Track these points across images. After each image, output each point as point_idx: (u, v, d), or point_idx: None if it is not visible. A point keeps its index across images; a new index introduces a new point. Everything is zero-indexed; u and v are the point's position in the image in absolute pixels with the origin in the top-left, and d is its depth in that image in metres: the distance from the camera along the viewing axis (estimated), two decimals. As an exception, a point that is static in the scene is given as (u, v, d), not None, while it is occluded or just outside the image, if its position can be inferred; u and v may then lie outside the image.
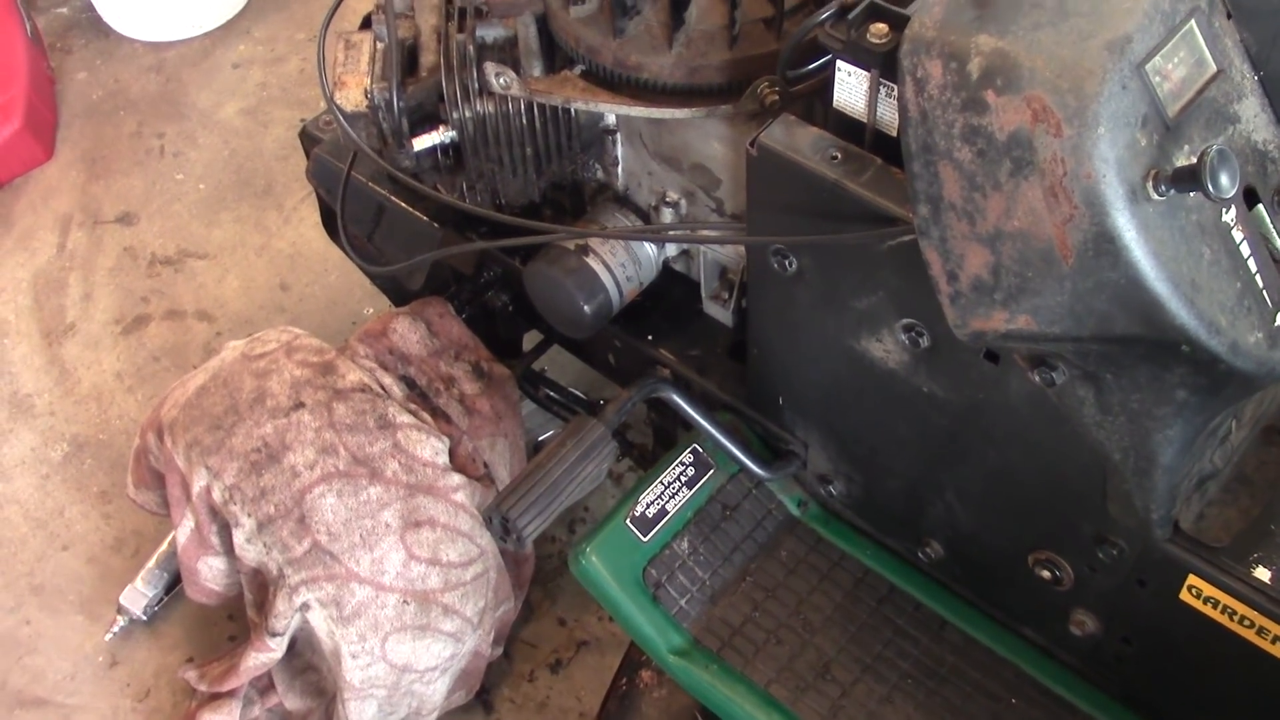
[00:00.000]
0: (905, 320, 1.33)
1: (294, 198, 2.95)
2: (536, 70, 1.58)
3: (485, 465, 1.90)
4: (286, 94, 3.22)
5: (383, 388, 1.83)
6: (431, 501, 1.77)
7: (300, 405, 1.76)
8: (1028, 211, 1.06)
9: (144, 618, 2.21)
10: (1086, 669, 1.54)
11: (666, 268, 1.80)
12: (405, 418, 1.78)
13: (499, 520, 1.48)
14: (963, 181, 1.09)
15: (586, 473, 1.52)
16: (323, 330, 2.61)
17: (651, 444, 2.03)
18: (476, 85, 1.59)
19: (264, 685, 1.96)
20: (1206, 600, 1.31)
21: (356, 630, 1.75)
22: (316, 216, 2.57)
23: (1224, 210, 1.09)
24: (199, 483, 1.78)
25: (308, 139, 2.12)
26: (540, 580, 2.24)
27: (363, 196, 1.99)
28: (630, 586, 1.59)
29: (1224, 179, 0.97)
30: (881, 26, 1.20)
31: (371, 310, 2.69)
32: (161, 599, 2.22)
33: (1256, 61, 1.14)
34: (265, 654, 1.82)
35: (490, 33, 1.61)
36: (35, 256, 2.88)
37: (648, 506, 1.63)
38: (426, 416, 1.83)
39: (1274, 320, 1.13)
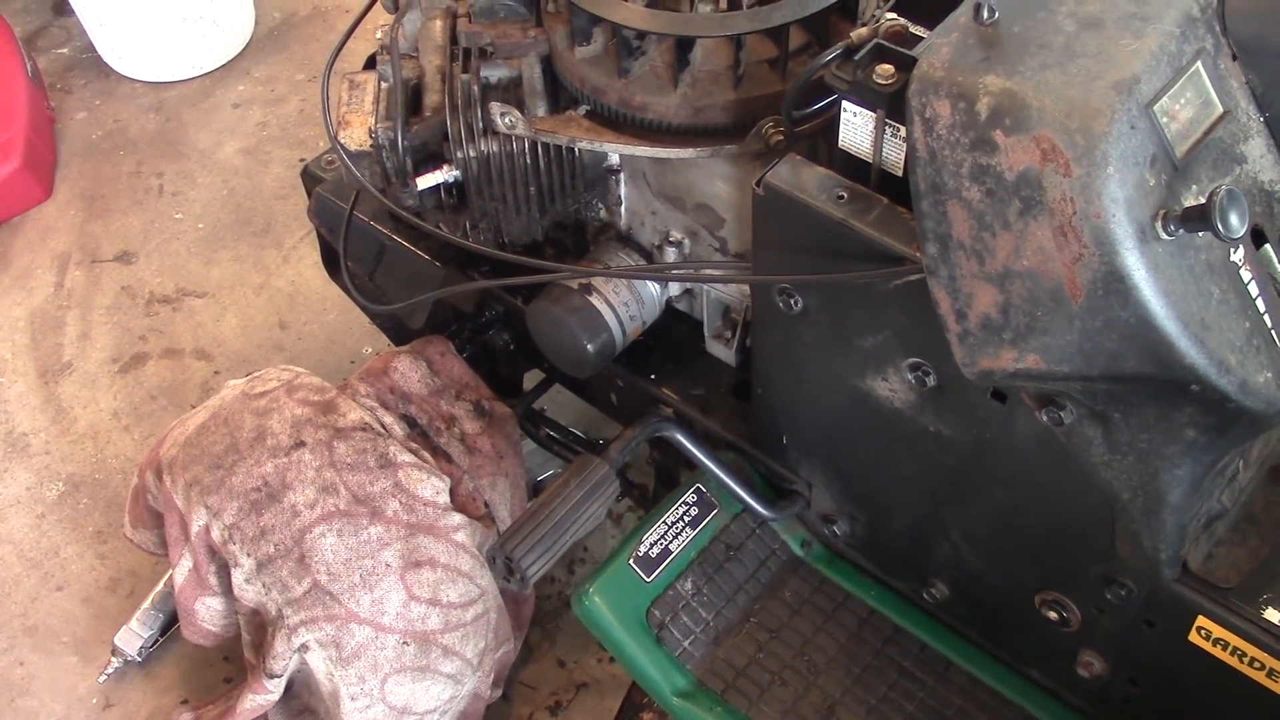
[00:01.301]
0: (912, 359, 1.33)
1: (293, 237, 2.95)
2: (541, 110, 1.58)
3: (486, 505, 1.89)
4: (286, 134, 3.23)
5: (384, 426, 1.82)
6: (432, 541, 1.76)
7: (301, 444, 1.75)
8: (1037, 251, 1.06)
9: (139, 659, 2.19)
10: (1094, 711, 1.53)
11: (669, 307, 1.80)
12: (406, 457, 1.77)
13: (503, 560, 1.47)
14: (972, 221, 1.09)
15: (590, 512, 1.51)
16: (321, 369, 2.59)
17: (653, 484, 2.02)
18: (481, 125, 1.59)
19: (261, 728, 1.94)
20: (1216, 641, 1.30)
21: (356, 671, 1.73)
22: (315, 255, 2.58)
23: (1232, 250, 1.09)
24: (198, 522, 1.76)
25: (309, 178, 2.12)
26: (539, 621, 2.22)
27: (365, 235, 1.99)
28: (634, 628, 1.58)
29: (1234, 219, 0.98)
30: (887, 67, 1.21)
31: (370, 349, 2.68)
32: (157, 640, 2.20)
33: (1262, 103, 1.15)
34: (262, 696, 1.80)
35: (495, 73, 1.61)
36: (33, 295, 2.88)
37: (651, 546, 1.62)
38: (427, 456, 1.82)
39: (1283, 359, 1.13)
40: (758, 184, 1.32)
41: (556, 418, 2.24)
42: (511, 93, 1.61)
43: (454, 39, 1.66)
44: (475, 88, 1.59)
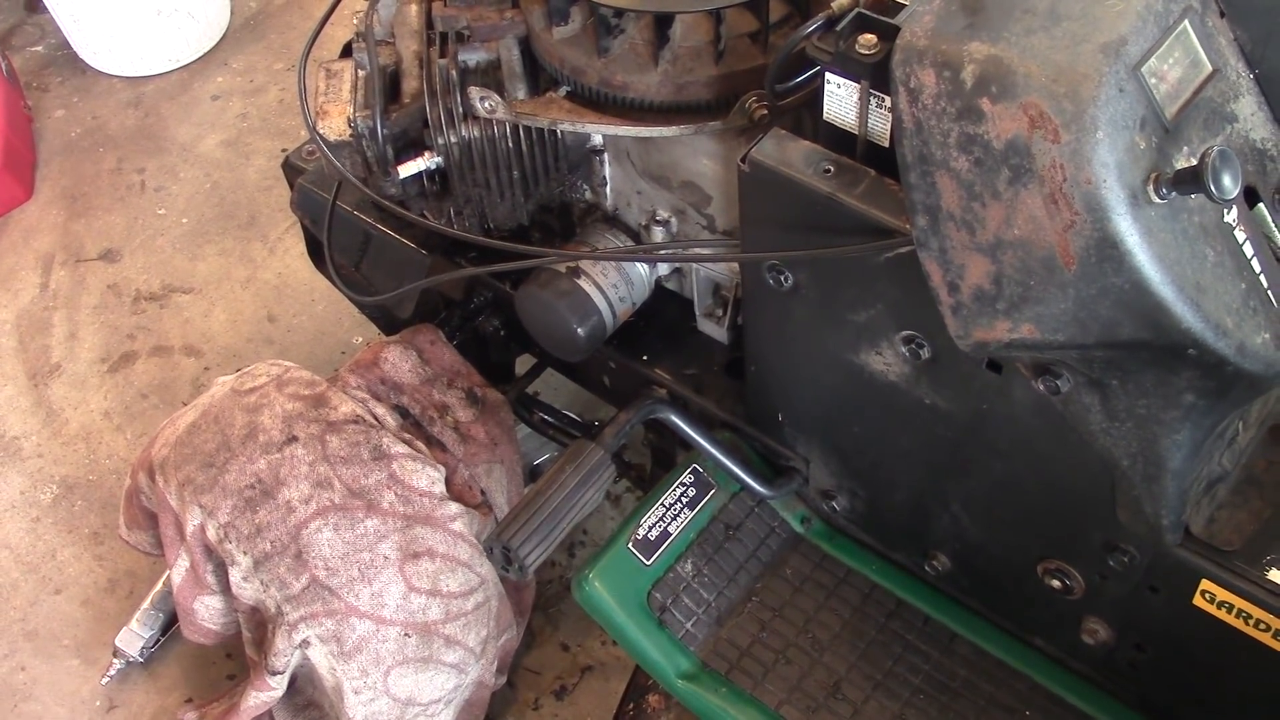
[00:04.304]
0: (905, 332, 1.32)
1: (278, 229, 2.93)
2: (521, 93, 1.56)
3: (482, 492, 1.87)
4: (267, 124, 3.20)
5: (376, 418, 1.81)
6: (429, 531, 1.74)
7: (293, 439, 1.74)
8: (1028, 219, 1.04)
9: (140, 660, 2.18)
10: (1100, 677, 1.53)
11: (659, 286, 1.79)
12: (400, 448, 1.76)
13: (500, 550, 1.46)
14: (961, 191, 1.08)
15: (587, 498, 1.50)
16: (311, 361, 2.59)
17: (649, 464, 2.01)
18: (461, 110, 1.57)
19: (265, 724, 1.93)
20: (1220, 605, 1.29)
21: (358, 665, 1.72)
22: (301, 247, 2.55)
23: (1226, 211, 1.08)
24: (193, 521, 1.75)
25: (290, 169, 2.10)
26: (541, 606, 2.22)
27: (349, 226, 1.97)
28: (635, 611, 1.57)
29: (1226, 180, 0.96)
30: (870, 37, 1.19)
31: (360, 339, 2.67)
32: (158, 640, 2.19)
33: (1251, 59, 1.13)
34: (266, 693, 1.79)
35: (473, 57, 1.59)
36: (18, 297, 2.85)
37: (650, 529, 1.61)
38: (421, 446, 1.81)
39: (1280, 320, 1.11)
40: (743, 160, 1.30)
41: (550, 401, 2.23)
42: (490, 76, 1.59)
43: (430, 23, 1.64)
44: (453, 72, 1.57)
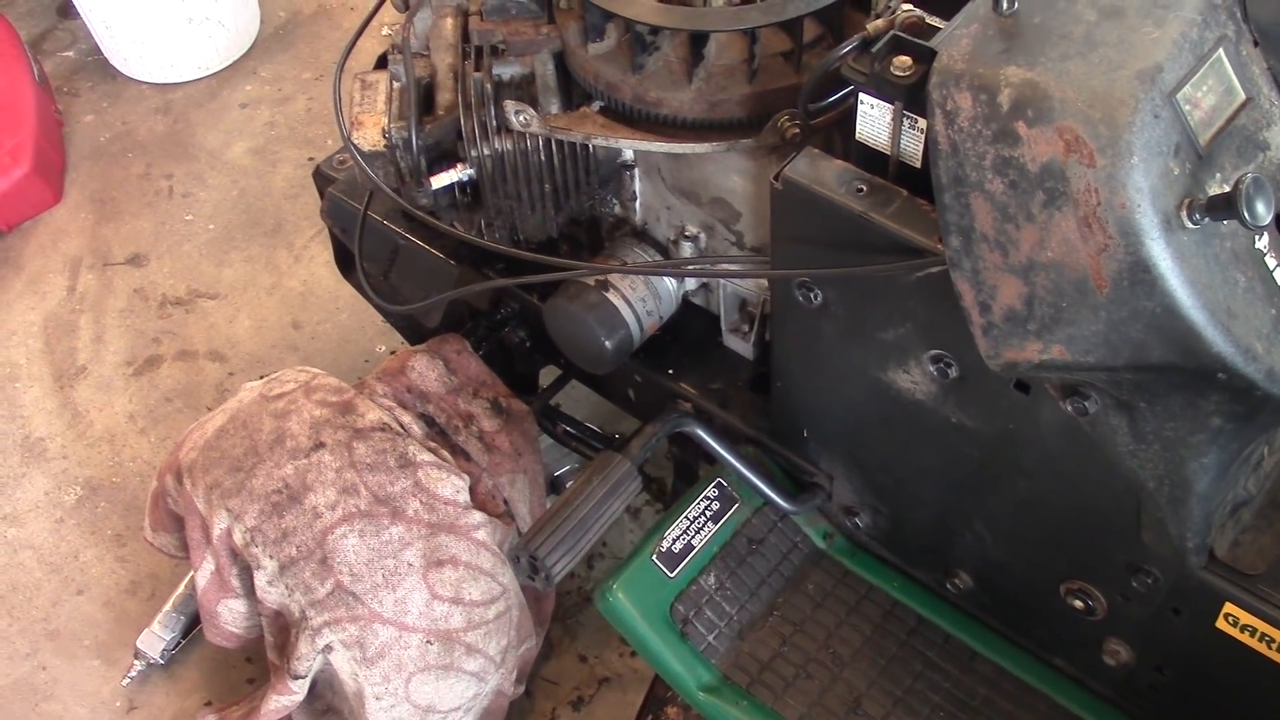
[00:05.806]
0: (934, 351, 1.33)
1: (304, 236, 2.95)
2: (554, 107, 1.58)
3: (505, 502, 1.89)
4: (294, 133, 3.23)
5: (402, 426, 1.82)
6: (453, 540, 1.76)
7: (320, 445, 1.75)
8: (1061, 242, 1.06)
9: (161, 662, 2.19)
10: (1120, 699, 1.53)
11: (685, 301, 1.80)
12: (425, 456, 1.78)
13: (527, 559, 1.47)
14: (995, 213, 1.09)
15: (613, 509, 1.51)
16: (336, 368, 2.60)
17: (670, 478, 2.02)
18: (495, 123, 1.59)
19: (285, 728, 1.94)
20: (1243, 628, 1.30)
21: (380, 671, 1.73)
22: (327, 254, 2.58)
23: (1258, 237, 1.09)
24: (220, 525, 1.77)
25: (321, 178, 2.12)
26: (560, 617, 2.23)
27: (378, 235, 1.99)
28: (658, 623, 1.58)
29: (1260, 206, 0.97)
30: (905, 59, 1.20)
31: (384, 348, 2.68)
32: (179, 642, 2.21)
33: (1284, 88, 1.14)
34: (287, 697, 1.81)
35: (507, 70, 1.61)
36: (45, 299, 2.88)
37: (673, 542, 1.62)
38: (446, 454, 1.82)
39: (1309, 346, 1.12)
40: (776, 178, 1.32)
41: (572, 413, 2.24)
42: (524, 90, 1.61)
43: (466, 37, 1.66)
44: (488, 86, 1.59)
